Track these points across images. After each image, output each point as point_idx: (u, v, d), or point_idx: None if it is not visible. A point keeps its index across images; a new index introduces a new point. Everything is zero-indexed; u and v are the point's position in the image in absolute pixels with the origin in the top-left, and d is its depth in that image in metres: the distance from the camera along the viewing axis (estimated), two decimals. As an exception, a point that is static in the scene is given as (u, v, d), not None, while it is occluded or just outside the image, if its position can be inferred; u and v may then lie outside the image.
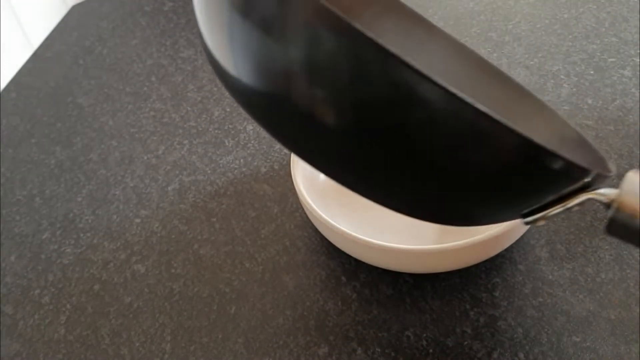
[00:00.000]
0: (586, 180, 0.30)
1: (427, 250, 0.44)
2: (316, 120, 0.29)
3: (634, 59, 0.65)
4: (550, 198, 0.31)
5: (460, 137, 0.27)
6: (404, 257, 0.45)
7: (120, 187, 0.62)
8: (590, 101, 0.61)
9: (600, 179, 0.31)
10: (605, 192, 0.31)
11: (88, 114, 0.71)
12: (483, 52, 0.69)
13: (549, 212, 0.32)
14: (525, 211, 0.33)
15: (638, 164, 0.54)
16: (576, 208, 0.32)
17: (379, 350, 0.45)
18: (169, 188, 0.61)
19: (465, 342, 0.44)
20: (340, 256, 0.51)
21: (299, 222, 0.55)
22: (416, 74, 0.26)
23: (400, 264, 0.47)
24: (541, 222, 0.33)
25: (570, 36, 0.69)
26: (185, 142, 0.65)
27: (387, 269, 0.49)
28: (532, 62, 0.67)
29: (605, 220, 0.37)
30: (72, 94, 0.75)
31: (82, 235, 0.58)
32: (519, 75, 0.65)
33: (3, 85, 0.79)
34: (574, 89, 0.63)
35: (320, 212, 0.47)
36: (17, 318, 0.52)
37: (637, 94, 0.61)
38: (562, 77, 0.64)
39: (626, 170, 0.54)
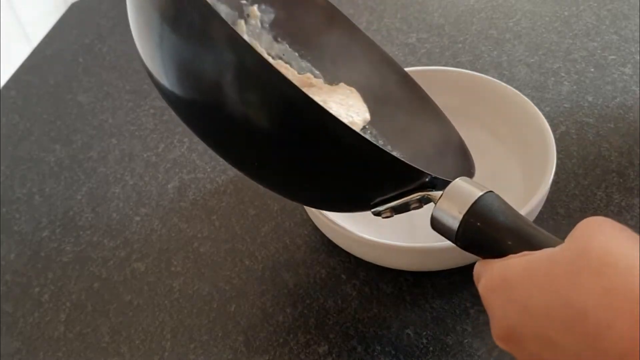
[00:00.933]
0: (426, 180, 0.36)
1: (427, 248, 0.44)
2: (237, 124, 0.36)
3: (635, 56, 0.65)
4: (396, 192, 0.37)
5: (329, 143, 0.34)
6: (404, 255, 0.45)
7: (120, 185, 0.62)
8: (590, 99, 0.61)
9: (444, 183, 0.36)
10: (433, 193, 0.36)
11: (88, 112, 0.71)
12: (483, 49, 0.69)
13: (393, 204, 0.37)
14: (374, 202, 0.38)
15: (638, 161, 0.54)
16: (415, 204, 0.37)
17: (379, 348, 0.45)
18: (169, 186, 0.61)
19: (466, 340, 0.44)
20: (340, 254, 0.51)
21: (299, 220, 0.55)
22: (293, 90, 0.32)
23: (400, 262, 0.47)
24: (386, 214, 0.38)
25: (570, 34, 0.69)
26: (185, 139, 0.65)
27: (387, 267, 0.48)
28: (532, 60, 0.67)
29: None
30: (71, 91, 0.75)
31: (81, 233, 0.58)
32: (520, 73, 0.65)
33: (3, 83, 0.79)
34: (575, 87, 0.62)
35: (320, 210, 0.47)
36: (16, 316, 0.52)
37: (638, 92, 0.61)
38: (562, 74, 0.64)
39: (626, 169, 0.54)
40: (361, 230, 0.46)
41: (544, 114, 0.51)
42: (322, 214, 0.46)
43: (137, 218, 0.58)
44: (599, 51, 0.66)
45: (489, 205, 0.34)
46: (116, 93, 0.73)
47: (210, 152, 0.63)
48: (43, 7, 0.89)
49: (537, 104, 0.52)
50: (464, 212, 0.34)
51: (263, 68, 0.32)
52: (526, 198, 0.46)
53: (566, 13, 0.73)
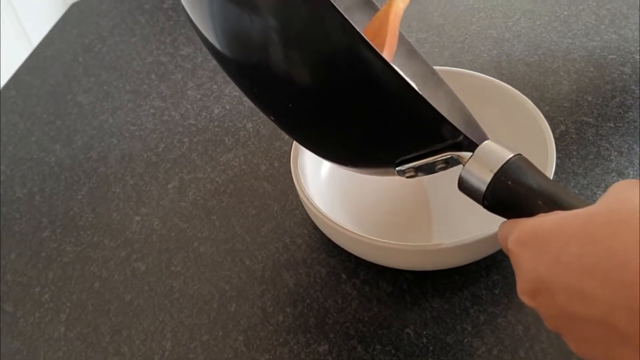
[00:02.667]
0: (456, 141, 0.37)
1: (427, 247, 0.44)
2: (286, 80, 0.37)
3: (634, 56, 0.65)
4: (424, 151, 0.38)
5: (381, 91, 0.35)
6: (404, 255, 0.45)
7: (120, 185, 0.62)
8: (590, 98, 0.61)
9: (470, 145, 0.37)
10: (463, 154, 0.37)
11: (88, 112, 0.71)
12: (482, 49, 0.69)
13: (418, 163, 0.38)
14: (399, 160, 0.39)
15: (638, 161, 0.54)
16: (441, 165, 0.38)
17: (379, 347, 0.45)
18: (169, 186, 0.61)
19: (466, 340, 0.44)
20: (340, 254, 0.51)
21: (299, 220, 0.55)
22: (367, 47, 0.33)
23: (400, 262, 0.47)
24: (410, 173, 0.39)
25: (570, 33, 0.69)
26: (185, 139, 0.65)
27: (387, 266, 0.49)
28: (532, 60, 0.67)
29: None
30: (71, 92, 0.75)
31: (82, 233, 0.58)
32: (519, 73, 0.65)
33: (3, 83, 0.79)
34: (574, 86, 0.62)
35: (320, 210, 0.47)
36: (17, 316, 0.52)
37: (637, 91, 0.61)
38: (562, 74, 0.64)
39: (626, 168, 0.54)
40: (361, 229, 0.46)
41: (544, 114, 0.51)
42: (322, 213, 0.46)
43: (138, 218, 0.58)
44: (598, 51, 0.66)
45: (520, 166, 0.35)
46: (116, 93, 0.73)
47: (210, 151, 0.63)
48: (43, 7, 0.89)
49: (536, 104, 0.52)
50: (495, 170, 0.34)
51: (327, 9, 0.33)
52: (526, 197, 0.46)
53: (565, 13, 0.73)
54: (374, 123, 0.37)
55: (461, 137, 0.36)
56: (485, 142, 0.36)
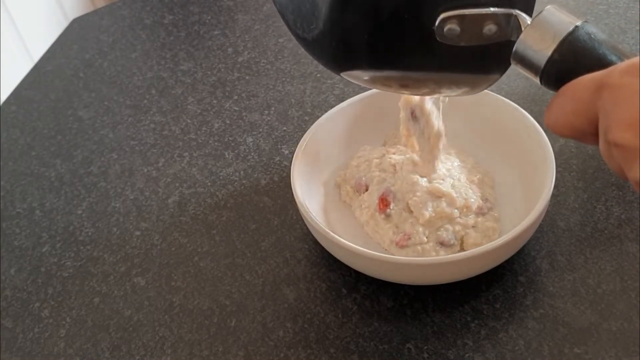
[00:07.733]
0: None
1: (427, 262, 0.44)
2: None
3: (633, 70, 0.65)
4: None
5: None
6: (404, 269, 0.45)
7: (121, 200, 0.62)
8: (589, 112, 0.61)
9: (528, 8, 0.34)
10: (523, 16, 0.34)
11: (88, 127, 0.71)
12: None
13: (469, 12, 0.34)
14: (445, 7, 0.35)
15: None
16: (491, 25, 0.34)
17: (380, 362, 0.44)
18: (169, 200, 0.61)
19: (467, 354, 0.44)
20: (340, 268, 0.51)
21: (299, 234, 0.55)
22: None
23: (401, 276, 0.47)
24: (453, 25, 0.35)
25: (568, 48, 0.70)
26: (186, 154, 0.65)
27: (388, 281, 0.48)
28: (531, 74, 0.67)
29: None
30: (72, 106, 0.75)
31: (82, 248, 0.58)
32: (519, 87, 0.65)
33: (3, 98, 0.79)
34: (573, 100, 0.63)
35: (320, 224, 0.47)
36: (16, 331, 0.52)
37: (636, 105, 0.61)
38: (561, 88, 0.64)
39: (625, 182, 0.54)
40: (361, 244, 0.46)
41: (543, 128, 0.51)
42: (322, 228, 0.46)
43: (138, 233, 0.58)
44: (597, 65, 0.66)
45: (592, 29, 0.33)
46: (116, 108, 0.73)
47: (211, 166, 0.63)
48: (44, 23, 0.89)
49: (536, 118, 0.52)
50: (576, 22, 0.33)
51: None
52: (526, 211, 0.46)
53: (564, 27, 0.73)
54: None
55: None
56: (549, 7, 0.34)
